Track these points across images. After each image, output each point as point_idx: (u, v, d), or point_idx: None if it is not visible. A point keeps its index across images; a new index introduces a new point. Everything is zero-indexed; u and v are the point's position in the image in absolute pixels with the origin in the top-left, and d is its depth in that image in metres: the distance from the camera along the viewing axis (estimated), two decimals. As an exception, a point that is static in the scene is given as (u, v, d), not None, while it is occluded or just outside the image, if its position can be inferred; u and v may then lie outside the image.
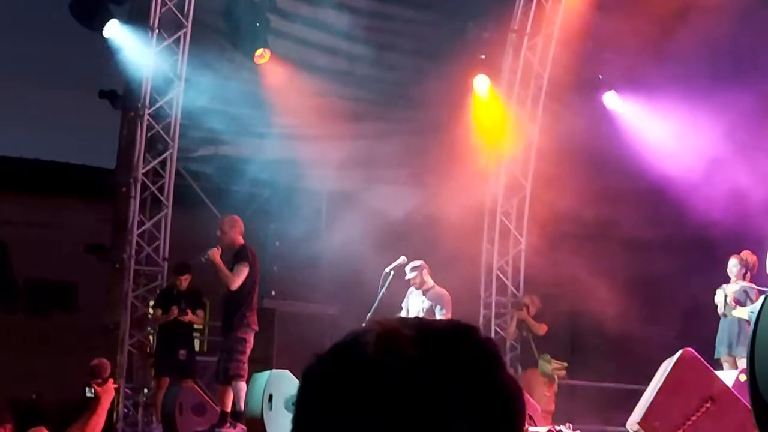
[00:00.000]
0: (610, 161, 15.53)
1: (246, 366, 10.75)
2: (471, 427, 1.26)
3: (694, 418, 6.85)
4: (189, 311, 13.09)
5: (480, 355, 1.32)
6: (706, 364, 7.31)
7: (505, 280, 16.06)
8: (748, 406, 5.48)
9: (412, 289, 11.64)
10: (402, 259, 11.26)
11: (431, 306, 11.28)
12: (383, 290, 10.88)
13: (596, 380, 15.67)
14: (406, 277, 11.49)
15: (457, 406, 1.25)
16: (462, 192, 15.41)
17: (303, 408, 1.32)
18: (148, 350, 13.84)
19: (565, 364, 14.66)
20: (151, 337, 13.98)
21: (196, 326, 13.76)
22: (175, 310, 13.00)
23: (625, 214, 15.54)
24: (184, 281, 13.24)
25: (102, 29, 13.78)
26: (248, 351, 10.78)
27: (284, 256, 14.57)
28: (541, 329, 14.52)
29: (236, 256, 10.94)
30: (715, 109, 14.33)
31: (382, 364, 1.27)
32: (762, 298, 5.65)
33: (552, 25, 15.42)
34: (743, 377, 6.82)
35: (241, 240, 11.05)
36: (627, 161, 15.34)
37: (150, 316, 13.83)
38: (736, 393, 7.10)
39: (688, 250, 13.59)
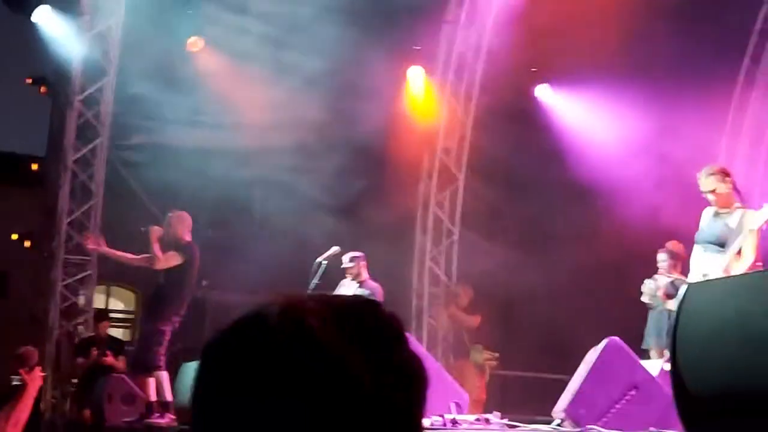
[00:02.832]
0: (543, 153, 15.65)
1: (163, 357, 10.71)
2: (374, 400, 1.24)
3: (618, 405, 6.94)
4: (110, 354, 12.89)
5: (384, 330, 1.31)
6: (631, 352, 7.41)
7: (437, 271, 16.13)
8: (671, 393, 5.56)
9: (345, 280, 11.68)
10: (334, 249, 11.27)
11: (363, 297, 11.30)
12: (315, 280, 10.88)
13: (527, 370, 15.80)
14: (343, 266, 11.55)
15: (360, 379, 1.23)
16: (396, 183, 15.45)
17: (203, 382, 1.29)
18: (76, 340, 13.68)
19: (497, 355, 14.77)
20: (80, 327, 13.84)
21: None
22: (94, 352, 12.83)
23: (558, 206, 15.68)
24: (103, 329, 13.20)
25: (31, 14, 13.58)
26: (165, 343, 10.73)
27: (217, 246, 14.47)
28: (474, 321, 14.60)
29: (176, 247, 10.92)
30: (647, 101, 14.52)
31: (284, 336, 1.24)
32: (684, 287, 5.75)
33: (486, 16, 15.48)
34: (667, 366, 6.91)
35: (187, 237, 11.01)
36: (560, 153, 15.48)
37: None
38: (659, 381, 7.21)
39: (621, 242, 13.73)
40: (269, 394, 1.22)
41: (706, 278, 7.81)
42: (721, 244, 8.46)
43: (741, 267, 8.21)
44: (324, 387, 1.22)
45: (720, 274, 8.01)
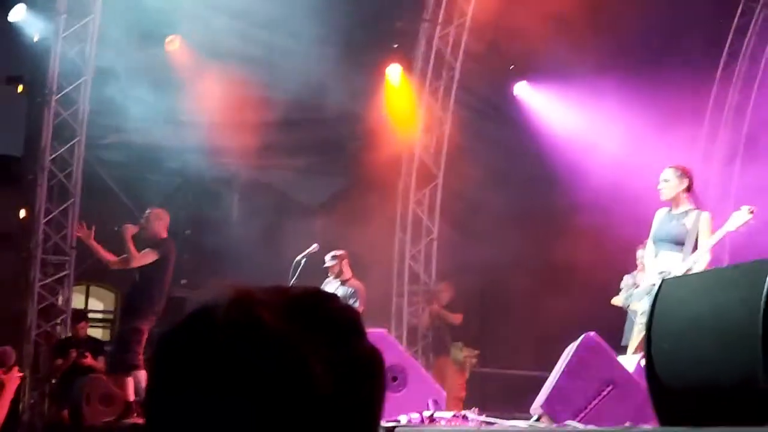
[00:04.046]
0: (521, 150, 15.68)
1: (142, 356, 10.69)
2: (329, 395, 1.20)
3: (595, 402, 6.94)
4: (89, 355, 12.83)
5: (338, 323, 1.27)
6: (608, 348, 7.40)
7: (417, 269, 16.12)
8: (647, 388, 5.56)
9: (329, 279, 11.66)
10: (314, 247, 11.27)
11: (344, 296, 11.27)
12: (294, 279, 10.88)
13: (508, 368, 15.81)
14: (325, 265, 11.55)
15: (313, 374, 1.20)
16: (375, 181, 15.43)
17: (153, 377, 1.26)
18: (54, 340, 13.61)
19: (477, 352, 14.78)
20: (58, 327, 13.77)
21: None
22: (73, 353, 12.76)
23: (538, 203, 15.70)
24: (81, 330, 13.13)
25: (7, 13, 13.51)
26: (143, 341, 10.72)
27: (195, 245, 14.45)
28: (456, 319, 14.61)
29: (152, 244, 10.93)
30: (626, 98, 14.55)
31: (230, 332, 1.20)
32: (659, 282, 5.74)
33: (464, 15, 15.48)
34: (644, 361, 6.91)
35: (164, 234, 11.05)
36: (539, 150, 15.50)
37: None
38: (636, 377, 7.20)
39: (600, 238, 13.74)
40: (214, 392, 1.19)
41: (663, 275, 7.88)
42: (678, 243, 8.65)
43: (699, 266, 8.43)
44: (270, 384, 1.18)
45: (680, 272, 8.19)
